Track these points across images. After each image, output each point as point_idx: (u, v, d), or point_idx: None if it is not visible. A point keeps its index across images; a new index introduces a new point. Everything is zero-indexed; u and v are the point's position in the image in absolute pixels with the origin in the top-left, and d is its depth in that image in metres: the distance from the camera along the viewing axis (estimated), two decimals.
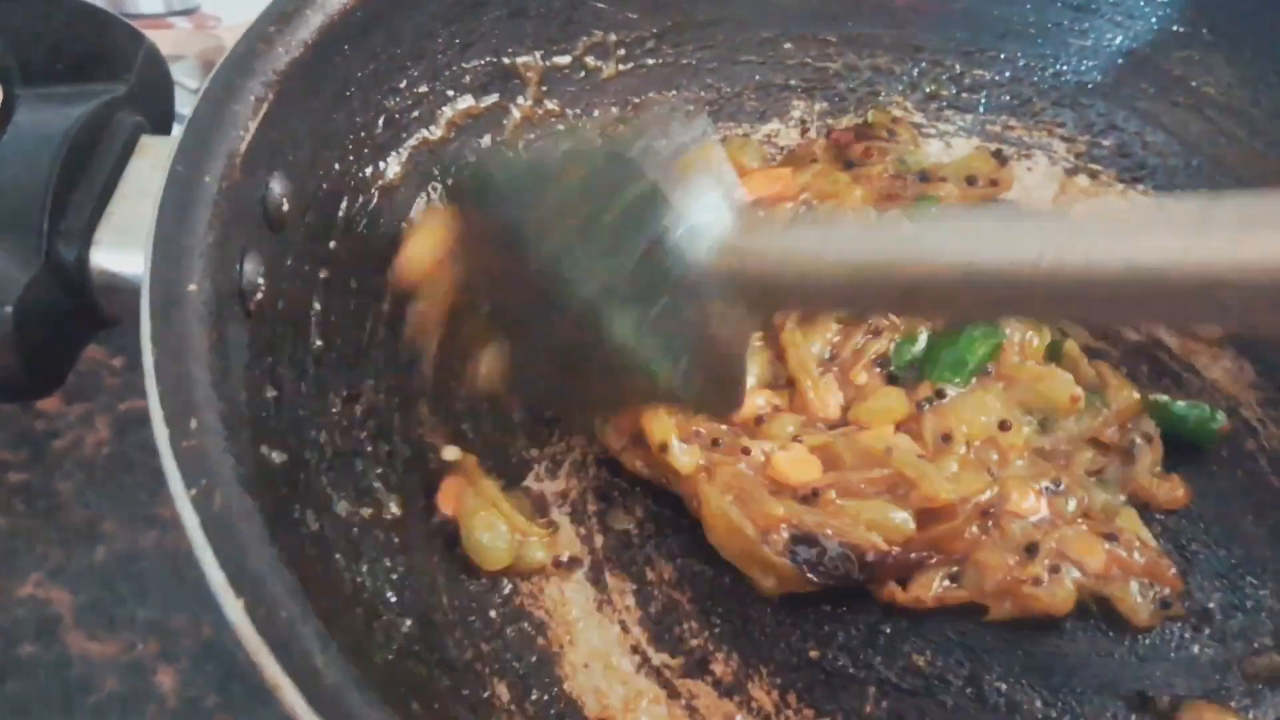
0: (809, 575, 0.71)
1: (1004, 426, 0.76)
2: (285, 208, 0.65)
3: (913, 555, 0.72)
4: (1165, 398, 0.83)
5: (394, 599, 0.66)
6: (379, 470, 0.72)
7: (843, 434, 0.76)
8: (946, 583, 0.73)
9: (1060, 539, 0.72)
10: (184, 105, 0.87)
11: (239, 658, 0.83)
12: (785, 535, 0.71)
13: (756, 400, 0.78)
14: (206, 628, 0.85)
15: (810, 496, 0.73)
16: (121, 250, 0.62)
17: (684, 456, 0.73)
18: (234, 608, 0.46)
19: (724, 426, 0.76)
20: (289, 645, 0.45)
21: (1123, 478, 0.79)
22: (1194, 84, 0.95)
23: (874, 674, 0.73)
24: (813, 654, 0.73)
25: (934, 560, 0.73)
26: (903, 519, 0.72)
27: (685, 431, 0.75)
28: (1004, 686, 0.72)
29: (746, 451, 0.74)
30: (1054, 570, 0.72)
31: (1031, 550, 0.72)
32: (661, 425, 0.74)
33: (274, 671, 0.45)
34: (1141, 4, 0.96)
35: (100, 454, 0.96)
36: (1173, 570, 0.74)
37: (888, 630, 0.74)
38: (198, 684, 0.83)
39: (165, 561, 0.89)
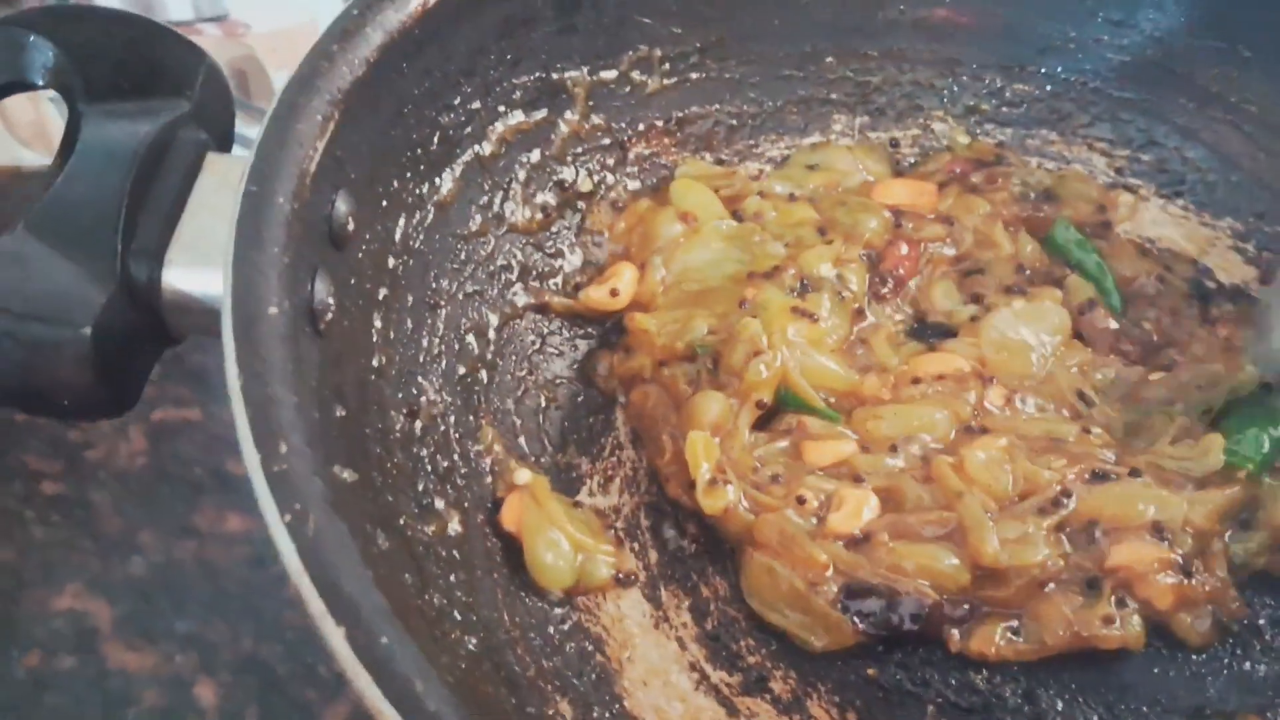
0: (862, 627, 0.70)
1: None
2: (350, 226, 0.65)
3: (965, 606, 0.71)
4: None
5: (459, 617, 0.66)
6: (439, 487, 0.72)
7: (909, 472, 0.74)
8: (1009, 635, 0.72)
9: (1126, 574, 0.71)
10: None
11: (279, 670, 0.84)
12: (834, 587, 0.70)
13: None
14: (246, 639, 0.85)
15: (860, 540, 0.71)
16: (192, 269, 0.62)
17: (710, 499, 0.73)
18: (335, 636, 0.45)
19: (782, 462, 0.75)
20: (390, 672, 0.45)
21: None
22: (1233, 99, 0.95)
23: (932, 691, 0.73)
24: (870, 672, 0.73)
25: (987, 611, 0.71)
26: (954, 567, 0.70)
27: (740, 465, 0.74)
28: (1060, 704, 0.72)
29: (801, 501, 0.73)
30: (1121, 604, 0.70)
31: (1094, 586, 0.71)
32: (698, 456, 0.73)
33: (375, 697, 0.45)
34: (1180, 20, 0.97)
35: (135, 464, 0.96)
36: (1237, 600, 0.73)
37: (945, 648, 0.74)
38: (238, 697, 0.83)
39: (203, 572, 0.89)
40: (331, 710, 0.81)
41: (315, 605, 0.46)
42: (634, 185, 0.93)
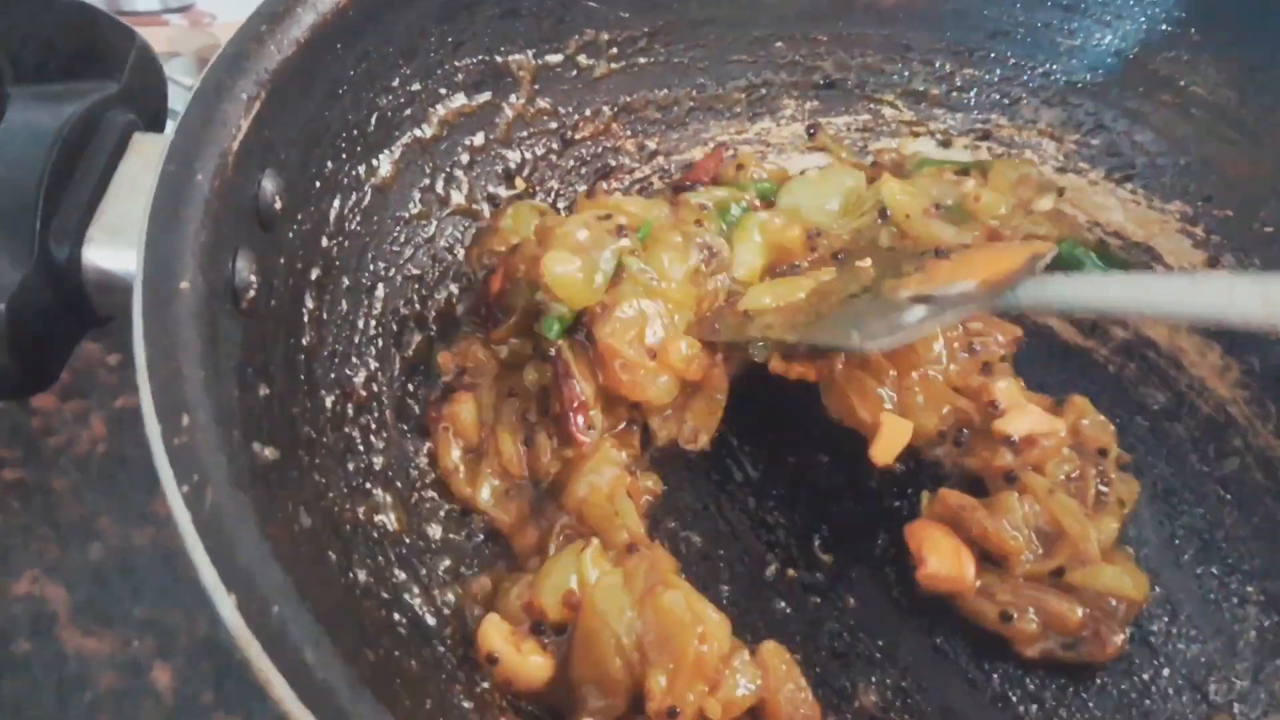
0: None
1: None
2: (277, 206, 0.65)
3: None
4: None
5: (386, 596, 0.66)
6: (371, 467, 0.72)
7: None
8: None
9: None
10: (179, 102, 0.87)
11: (235, 655, 0.84)
12: None
13: None
14: (202, 624, 0.86)
15: None
16: (114, 248, 0.62)
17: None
18: (225, 604, 0.46)
19: None
20: (280, 642, 0.46)
21: None
22: (1182, 83, 0.95)
23: None
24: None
25: None
26: None
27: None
28: None
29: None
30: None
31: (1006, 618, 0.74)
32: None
33: (265, 667, 0.45)
34: (1130, 4, 0.97)
35: (96, 451, 0.96)
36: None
37: None
38: (194, 681, 0.83)
39: (161, 558, 0.89)
40: None
41: (207, 574, 0.46)
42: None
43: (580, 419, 0.76)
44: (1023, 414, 0.76)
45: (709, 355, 0.79)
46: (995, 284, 0.74)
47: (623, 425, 0.79)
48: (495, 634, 0.68)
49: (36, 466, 0.94)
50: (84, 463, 0.95)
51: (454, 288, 0.85)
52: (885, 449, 0.75)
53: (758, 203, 0.90)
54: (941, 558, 0.73)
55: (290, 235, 0.68)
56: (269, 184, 0.65)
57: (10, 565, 0.88)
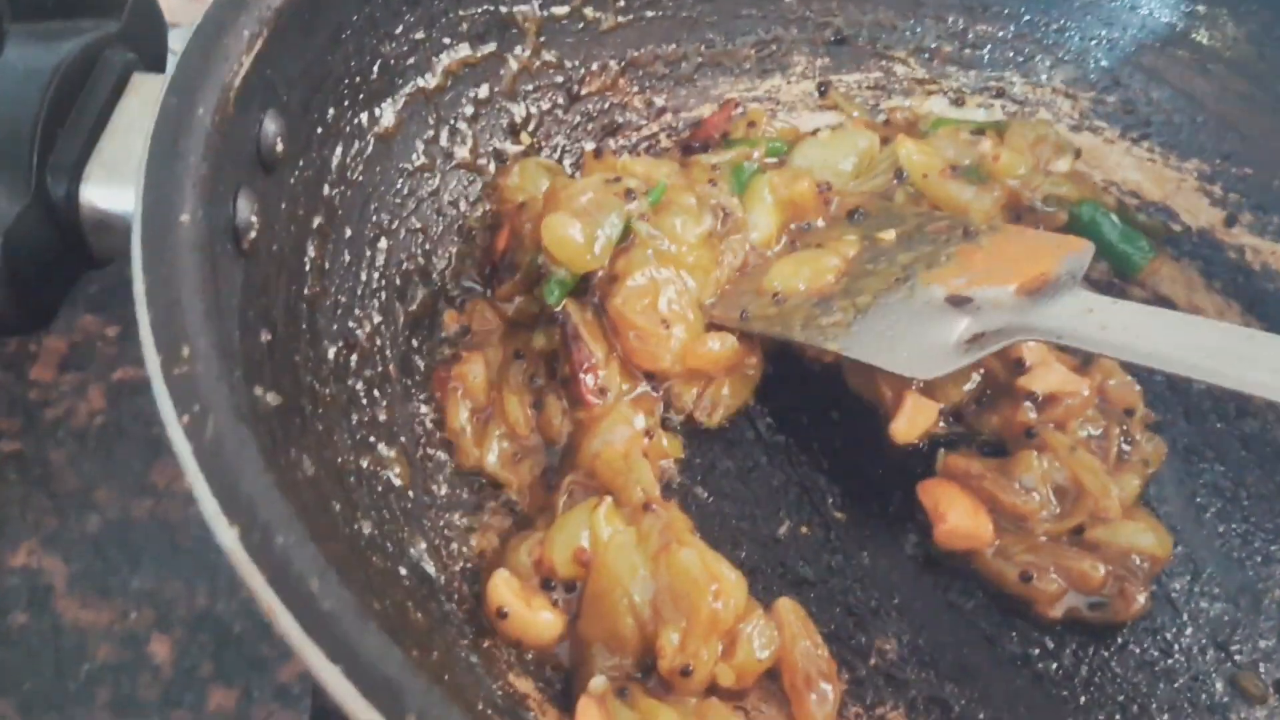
0: None
1: None
2: (279, 148, 0.64)
3: None
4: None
5: (391, 549, 0.65)
6: (375, 420, 0.71)
7: None
8: None
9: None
10: None
11: (234, 627, 0.83)
12: None
13: None
14: (201, 597, 0.84)
15: None
16: (112, 186, 0.61)
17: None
18: (227, 534, 0.44)
19: None
20: (284, 571, 0.44)
21: None
22: (1198, 39, 0.94)
23: None
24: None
25: None
26: None
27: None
28: None
29: None
30: None
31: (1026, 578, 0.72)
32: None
33: (268, 597, 0.44)
34: None
35: (94, 423, 0.94)
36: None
37: None
38: (192, 653, 0.82)
39: (159, 530, 0.88)
40: (287, 667, 0.80)
41: (208, 504, 0.45)
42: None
43: (590, 379, 0.74)
44: (1048, 371, 0.75)
45: (745, 348, 0.78)
46: (1033, 289, 0.74)
47: (641, 389, 0.77)
48: (505, 588, 0.67)
49: (34, 438, 0.93)
50: (82, 434, 0.94)
51: (459, 242, 0.83)
52: (908, 429, 0.75)
53: (767, 160, 0.89)
54: (960, 514, 0.72)
55: (292, 180, 0.67)
56: (270, 125, 0.63)
57: (7, 536, 0.87)
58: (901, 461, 0.77)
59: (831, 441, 0.81)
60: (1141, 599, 0.71)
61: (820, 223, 0.86)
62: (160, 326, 0.49)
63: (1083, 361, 0.78)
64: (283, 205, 0.65)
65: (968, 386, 0.77)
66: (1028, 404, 0.76)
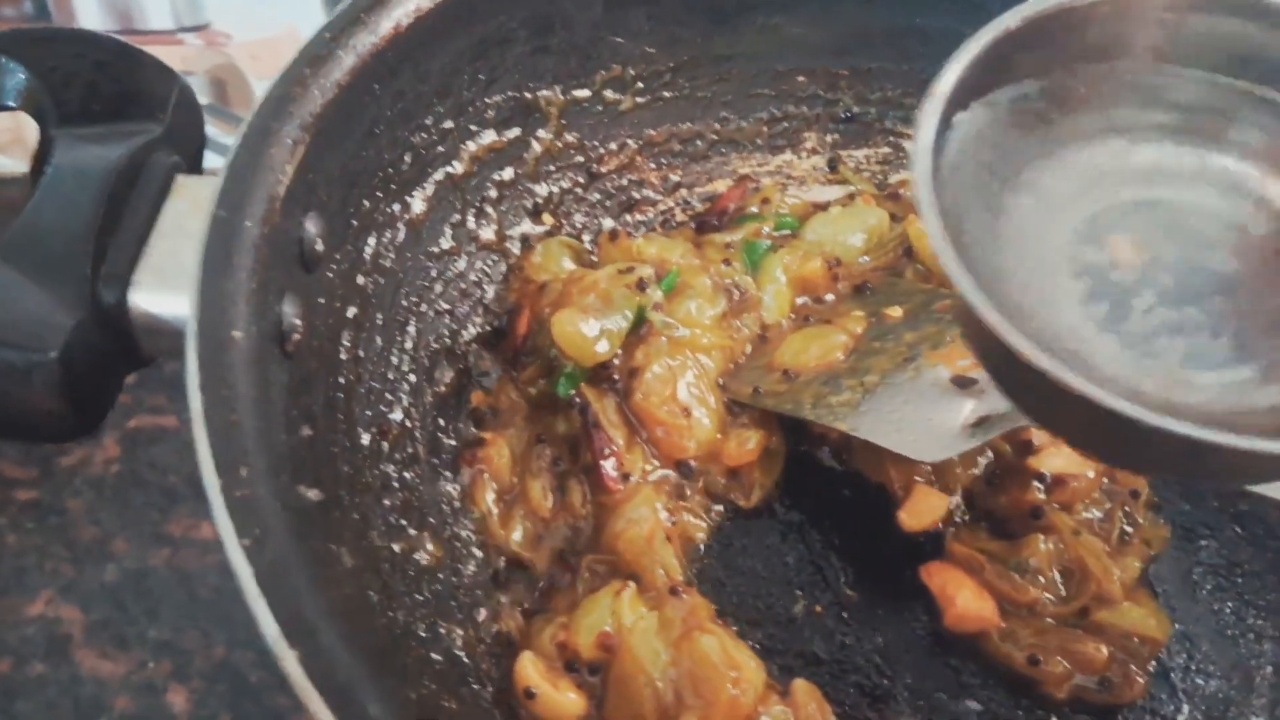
0: None
1: None
2: (319, 247, 0.66)
3: None
4: None
5: (424, 634, 0.67)
6: (409, 504, 0.73)
7: None
8: None
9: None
10: None
11: (251, 678, 0.84)
12: None
13: None
14: (218, 647, 0.86)
15: None
16: (161, 292, 0.62)
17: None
18: (290, 659, 0.46)
19: None
20: (344, 695, 0.46)
21: None
22: None
23: None
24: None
25: None
26: None
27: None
28: None
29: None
30: None
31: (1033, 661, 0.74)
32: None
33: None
34: None
35: (110, 472, 0.96)
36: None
37: None
38: (210, 704, 0.84)
39: (176, 580, 0.90)
40: (302, 718, 0.81)
41: (270, 629, 0.47)
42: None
43: (611, 465, 0.77)
44: (1056, 453, 0.77)
45: (767, 431, 0.81)
46: None
47: (664, 473, 0.79)
48: (533, 670, 0.69)
49: (51, 487, 0.95)
50: (98, 483, 0.96)
51: (483, 324, 0.85)
52: (915, 518, 0.77)
53: (775, 234, 0.91)
54: (967, 598, 0.74)
55: (329, 275, 0.69)
56: (311, 226, 0.65)
57: (26, 586, 0.89)
58: (912, 540, 0.80)
59: (844, 520, 0.83)
60: (1142, 680, 0.74)
61: (830, 297, 0.88)
62: (220, 447, 0.51)
63: None
64: (321, 301, 0.68)
65: (975, 471, 0.79)
66: (1037, 484, 0.78)
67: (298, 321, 0.62)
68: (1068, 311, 0.50)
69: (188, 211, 0.65)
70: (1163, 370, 0.48)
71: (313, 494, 0.60)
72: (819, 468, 0.84)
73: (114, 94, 0.67)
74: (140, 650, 0.86)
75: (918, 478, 0.79)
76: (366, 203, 0.73)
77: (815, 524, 0.83)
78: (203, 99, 1.16)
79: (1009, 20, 0.53)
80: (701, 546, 0.80)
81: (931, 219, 0.48)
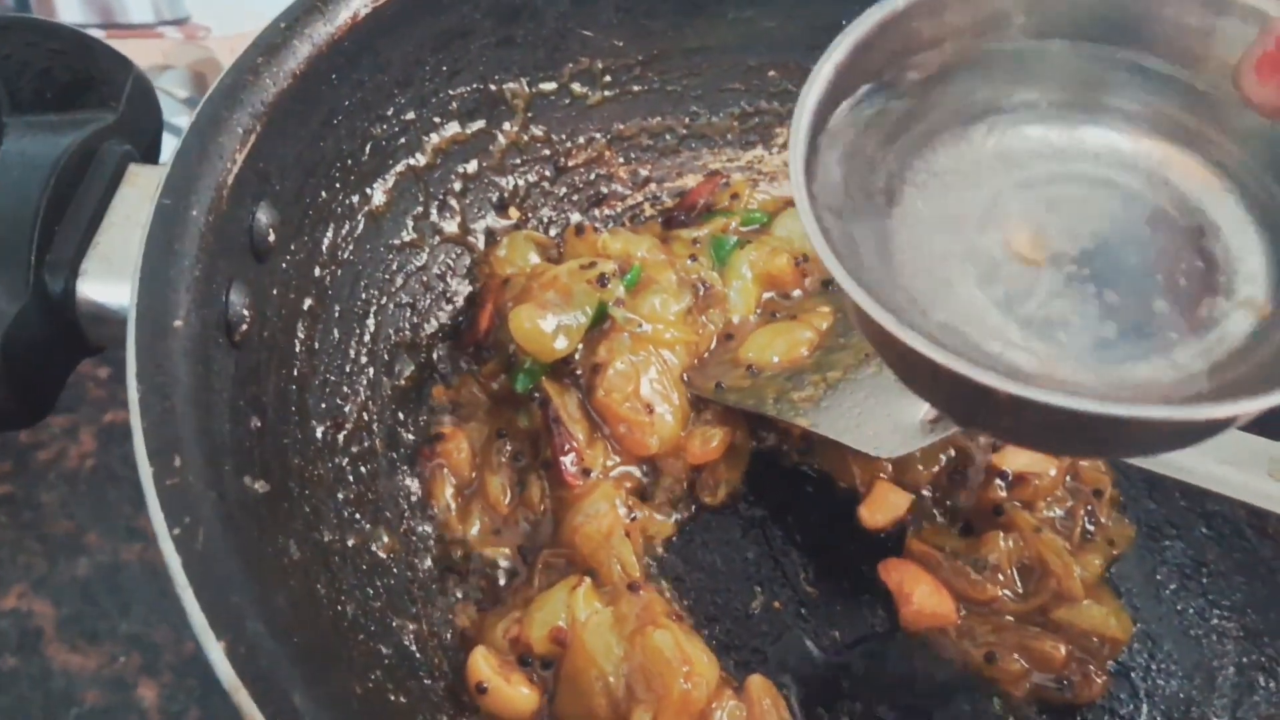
0: None
1: None
2: (271, 238, 0.65)
3: None
4: None
5: (374, 628, 0.67)
6: (362, 498, 0.73)
7: None
8: None
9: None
10: (172, 114, 0.88)
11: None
12: None
13: None
14: (188, 642, 0.85)
15: None
16: (108, 281, 0.62)
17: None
18: (215, 649, 0.46)
19: None
20: (268, 685, 0.46)
21: None
22: None
23: None
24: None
25: None
26: None
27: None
28: None
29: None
30: None
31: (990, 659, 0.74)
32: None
33: (251, 711, 0.45)
34: None
35: (84, 466, 0.96)
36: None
37: None
38: (179, 698, 0.83)
39: (148, 574, 0.89)
40: None
41: (197, 618, 0.47)
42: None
43: (571, 460, 0.76)
44: (1018, 451, 0.76)
45: (731, 428, 0.80)
46: None
47: (626, 469, 0.79)
48: (485, 664, 0.69)
49: (25, 481, 0.94)
50: (72, 477, 0.95)
51: (445, 318, 0.85)
52: (876, 515, 0.76)
53: (743, 230, 0.91)
54: (924, 594, 0.74)
55: (284, 265, 0.68)
56: (263, 215, 0.65)
57: None
58: (874, 537, 0.79)
59: (807, 516, 0.82)
60: (1100, 680, 0.74)
61: (797, 293, 0.88)
62: (153, 435, 0.51)
63: None
64: (274, 291, 0.67)
65: (937, 468, 0.79)
66: (999, 482, 0.78)
67: (246, 312, 0.62)
68: (965, 297, 0.51)
69: (139, 201, 0.65)
70: (1057, 348, 0.49)
71: (259, 485, 0.60)
72: (784, 464, 0.84)
73: (68, 82, 0.67)
74: (111, 644, 0.86)
75: (881, 475, 0.79)
76: (324, 193, 0.73)
77: (777, 520, 0.82)
78: (182, 92, 1.17)
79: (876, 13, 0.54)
80: (660, 543, 0.79)
81: (808, 218, 0.49)
